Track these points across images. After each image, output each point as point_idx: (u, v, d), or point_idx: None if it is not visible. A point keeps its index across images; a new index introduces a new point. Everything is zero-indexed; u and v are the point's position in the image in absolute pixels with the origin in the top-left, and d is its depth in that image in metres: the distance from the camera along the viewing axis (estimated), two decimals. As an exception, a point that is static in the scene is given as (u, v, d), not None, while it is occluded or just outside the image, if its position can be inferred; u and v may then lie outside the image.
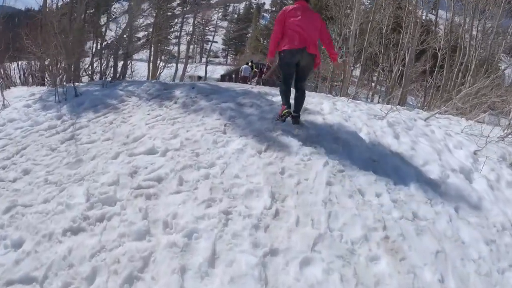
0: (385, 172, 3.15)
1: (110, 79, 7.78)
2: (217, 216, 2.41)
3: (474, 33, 14.21)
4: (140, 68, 14.04)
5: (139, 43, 13.31)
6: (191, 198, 2.60)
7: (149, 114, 4.25)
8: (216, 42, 49.03)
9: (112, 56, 9.21)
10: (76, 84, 6.45)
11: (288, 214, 2.47)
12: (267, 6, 61.12)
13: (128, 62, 10.24)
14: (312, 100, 5.00)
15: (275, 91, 5.41)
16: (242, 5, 64.82)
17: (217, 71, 30.10)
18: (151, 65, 12.65)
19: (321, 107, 4.68)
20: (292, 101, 3.97)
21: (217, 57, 53.16)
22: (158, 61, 13.17)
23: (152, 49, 13.37)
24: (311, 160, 3.15)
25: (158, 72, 14.21)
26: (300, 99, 3.94)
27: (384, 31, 16.96)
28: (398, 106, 5.47)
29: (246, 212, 2.44)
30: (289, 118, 3.89)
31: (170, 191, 2.71)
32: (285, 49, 3.75)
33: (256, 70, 21.32)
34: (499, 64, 15.96)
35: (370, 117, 4.52)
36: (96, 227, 2.52)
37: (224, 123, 3.83)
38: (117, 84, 6.15)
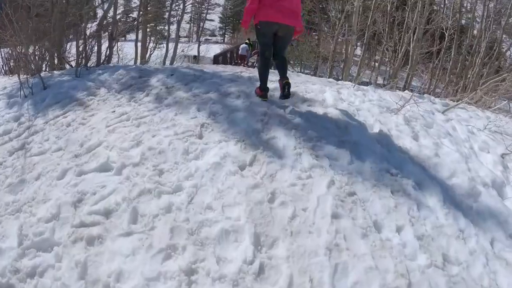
0: (406, 191, 2.45)
1: (87, 65, 7.02)
2: (177, 277, 1.70)
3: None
4: (130, 51, 13.08)
5: (134, 23, 12.39)
6: (145, 245, 1.89)
7: (113, 112, 3.49)
8: (213, 20, 47.44)
9: (96, 40, 8.42)
10: (49, 73, 5.69)
11: (277, 271, 1.76)
12: (265, -18, 58.82)
13: (114, 44, 9.40)
14: (312, 87, 4.25)
15: (270, 75, 4.73)
16: (239, -18, 62.66)
17: (213, 49, 28.94)
18: (139, 47, 11.67)
19: (323, 96, 3.93)
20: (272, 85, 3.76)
21: (214, 35, 51.44)
22: (148, 42, 12.15)
23: (141, 29, 12.37)
24: (312, 178, 2.43)
25: (148, 54, 13.32)
26: (281, 65, 3.61)
27: (389, 8, 15.87)
28: (415, 96, 4.71)
29: (217, 271, 1.73)
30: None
31: (119, 231, 2.00)
32: (261, 21, 3.43)
33: (254, 49, 20.82)
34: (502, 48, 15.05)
35: (382, 110, 3.79)
36: (26, 285, 1.87)
37: (201, 123, 3.08)
38: (91, 72, 5.38)
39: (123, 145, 2.80)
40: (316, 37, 15.03)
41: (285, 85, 3.40)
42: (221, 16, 51.93)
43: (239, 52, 20.28)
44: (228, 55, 20.39)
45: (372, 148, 2.87)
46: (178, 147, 2.69)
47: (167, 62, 12.74)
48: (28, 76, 5.25)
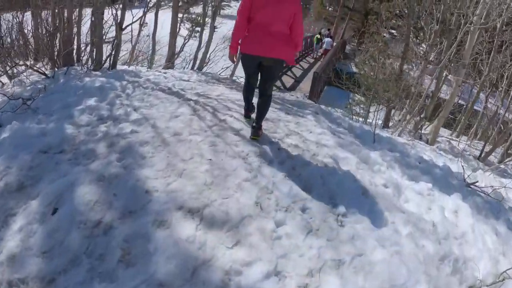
0: None
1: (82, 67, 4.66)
2: None
3: None
4: (161, 41, 10.22)
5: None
6: None
7: None
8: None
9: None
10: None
11: None
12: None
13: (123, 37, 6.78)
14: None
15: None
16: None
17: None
18: (158, 38, 8.89)
19: None
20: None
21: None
22: (178, 29, 9.21)
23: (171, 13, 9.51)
24: None
25: (182, 43, 10.51)
26: (261, 107, 3.24)
27: (498, 27, 11.81)
28: None
29: None
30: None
31: None
32: (242, 53, 3.11)
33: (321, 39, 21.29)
34: None
35: None
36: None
37: None
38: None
39: None
40: (399, 58, 10.71)
41: (252, 137, 3.17)
42: None
43: (323, 46, 20.22)
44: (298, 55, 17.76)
45: None
46: None
47: (201, 55, 9.52)
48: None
